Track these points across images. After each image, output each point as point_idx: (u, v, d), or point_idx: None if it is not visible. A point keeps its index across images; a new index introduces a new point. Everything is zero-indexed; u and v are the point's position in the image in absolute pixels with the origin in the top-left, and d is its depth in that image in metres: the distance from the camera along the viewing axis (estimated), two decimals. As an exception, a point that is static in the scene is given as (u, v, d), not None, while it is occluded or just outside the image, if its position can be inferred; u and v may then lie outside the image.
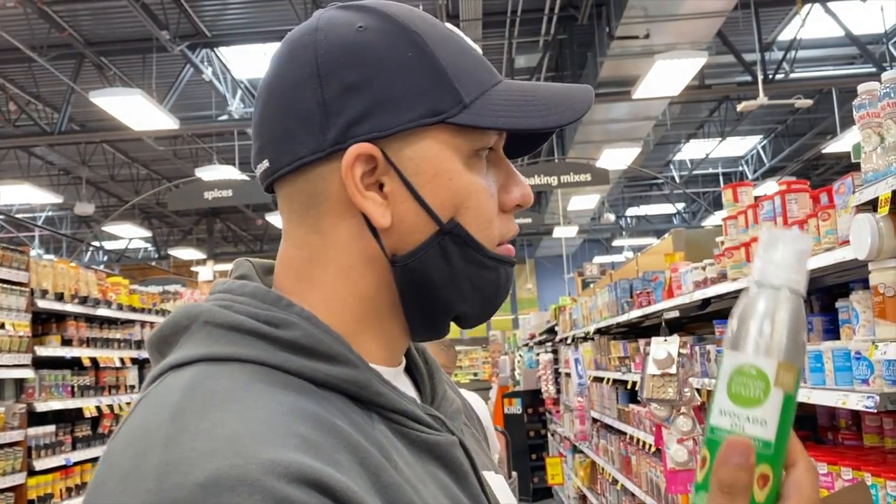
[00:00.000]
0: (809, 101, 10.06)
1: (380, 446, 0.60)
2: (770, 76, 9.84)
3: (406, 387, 0.73)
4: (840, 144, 11.56)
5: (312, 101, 0.65)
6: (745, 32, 9.80)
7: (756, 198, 2.99)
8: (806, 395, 2.37)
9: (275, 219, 15.29)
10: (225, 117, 10.94)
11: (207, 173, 11.37)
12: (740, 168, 17.52)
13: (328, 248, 0.67)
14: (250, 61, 10.57)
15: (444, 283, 0.67)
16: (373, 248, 0.66)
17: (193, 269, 19.11)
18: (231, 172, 11.55)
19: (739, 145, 15.96)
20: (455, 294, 0.68)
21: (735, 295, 3.32)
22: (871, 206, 1.90)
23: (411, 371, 0.77)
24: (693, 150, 15.83)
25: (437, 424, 0.68)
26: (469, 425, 0.79)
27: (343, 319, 0.66)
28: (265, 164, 0.68)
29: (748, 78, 9.85)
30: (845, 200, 2.09)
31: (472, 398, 4.42)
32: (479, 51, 0.71)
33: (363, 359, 0.64)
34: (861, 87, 1.95)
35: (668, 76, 8.16)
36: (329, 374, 0.61)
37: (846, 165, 14.27)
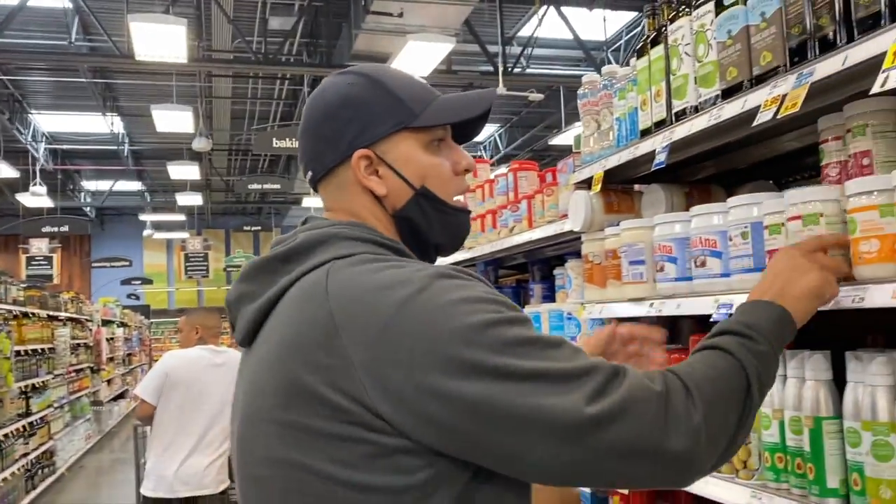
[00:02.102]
0: (541, 96, 10.99)
1: None
2: (509, 69, 10.57)
3: None
4: (564, 138, 12.78)
5: (329, 131, 1.11)
6: (490, 25, 10.43)
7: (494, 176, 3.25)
8: (525, 353, 2.64)
9: (26, 199, 14.67)
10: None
11: None
12: (479, 153, 18.65)
13: (357, 209, 1.12)
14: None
15: (424, 226, 1.13)
16: (380, 208, 1.12)
17: None
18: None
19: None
20: (432, 232, 1.13)
21: (471, 263, 3.56)
22: (587, 184, 2.16)
23: None
24: (438, 133, 16.48)
25: None
26: None
27: None
28: (310, 173, 1.15)
29: (490, 68, 10.50)
30: (567, 179, 2.35)
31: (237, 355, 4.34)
32: (425, 81, 1.16)
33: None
34: (584, 78, 2.19)
35: (418, 57, 8.44)
36: (410, 260, 1.07)
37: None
